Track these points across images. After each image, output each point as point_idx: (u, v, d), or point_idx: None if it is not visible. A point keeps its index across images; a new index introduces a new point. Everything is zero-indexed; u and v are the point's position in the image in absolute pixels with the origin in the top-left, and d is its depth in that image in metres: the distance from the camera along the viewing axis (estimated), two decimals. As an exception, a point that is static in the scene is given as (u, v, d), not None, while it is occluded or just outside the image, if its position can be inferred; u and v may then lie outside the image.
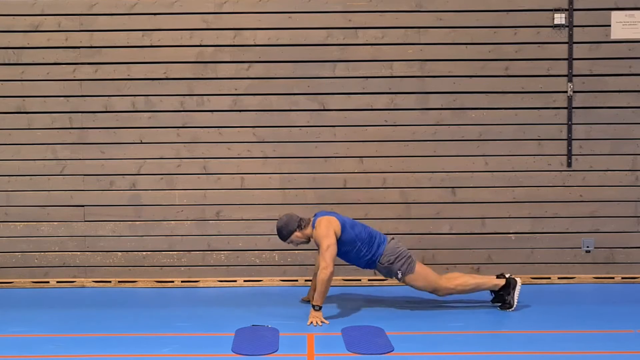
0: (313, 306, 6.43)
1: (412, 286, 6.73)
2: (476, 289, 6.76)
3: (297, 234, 6.68)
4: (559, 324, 6.35)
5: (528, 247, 7.67)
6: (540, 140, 7.61)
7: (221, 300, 7.21)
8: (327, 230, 6.50)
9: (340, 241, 6.54)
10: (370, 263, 6.69)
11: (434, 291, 6.72)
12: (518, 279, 6.74)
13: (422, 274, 6.66)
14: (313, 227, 6.61)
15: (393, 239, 6.78)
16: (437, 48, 7.56)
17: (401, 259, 6.63)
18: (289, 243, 6.75)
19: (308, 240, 6.71)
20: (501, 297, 6.76)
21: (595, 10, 7.53)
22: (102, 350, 5.76)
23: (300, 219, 6.71)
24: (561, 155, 7.63)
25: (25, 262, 7.66)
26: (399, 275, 6.63)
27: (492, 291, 6.82)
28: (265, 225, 7.62)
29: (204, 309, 6.92)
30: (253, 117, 7.60)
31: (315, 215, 6.74)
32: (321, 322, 6.36)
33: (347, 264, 6.84)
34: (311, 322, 6.34)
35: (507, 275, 6.79)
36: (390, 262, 6.62)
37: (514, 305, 6.68)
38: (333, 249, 6.45)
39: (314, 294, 6.52)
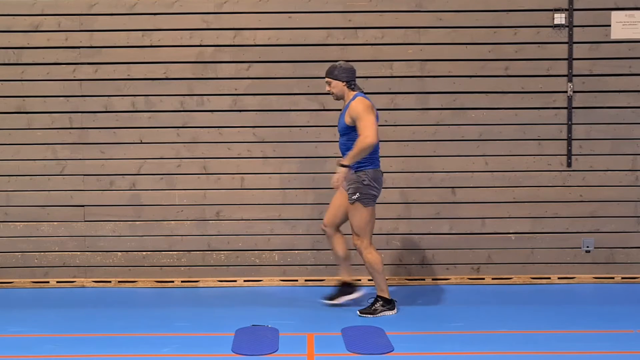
0: (341, 165, 6.44)
1: (348, 214, 6.60)
2: (374, 278, 6.67)
3: (342, 84, 6.58)
4: (559, 324, 6.35)
5: (528, 247, 7.68)
6: (540, 140, 7.62)
7: (221, 300, 7.21)
8: (367, 109, 6.42)
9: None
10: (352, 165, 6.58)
11: (355, 236, 6.58)
12: (355, 294, 6.82)
13: (366, 217, 6.53)
14: (353, 98, 6.53)
15: (380, 171, 6.65)
16: (437, 48, 7.56)
17: (372, 190, 6.54)
18: (326, 82, 6.62)
19: (338, 98, 6.66)
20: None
21: (595, 10, 7.53)
22: (102, 350, 5.76)
23: (355, 81, 6.65)
24: (561, 155, 7.64)
25: (25, 262, 7.66)
26: (353, 197, 6.52)
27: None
28: (265, 225, 7.63)
29: (204, 309, 6.92)
30: (253, 117, 7.60)
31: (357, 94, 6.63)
32: (342, 182, 6.43)
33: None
34: (336, 180, 6.45)
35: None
36: (364, 183, 6.51)
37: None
38: (376, 126, 6.41)
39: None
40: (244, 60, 7.56)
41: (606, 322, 6.42)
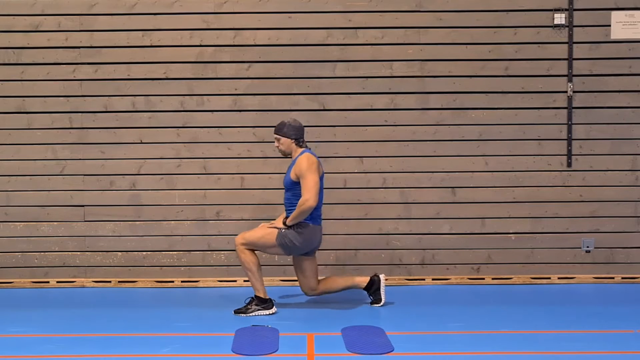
0: (284, 224, 6.60)
1: (261, 229, 6.73)
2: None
3: (291, 142, 6.68)
4: (559, 324, 6.35)
5: (528, 247, 7.67)
6: (540, 140, 7.62)
7: (221, 300, 7.21)
8: (312, 166, 6.52)
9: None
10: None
11: (241, 236, 6.68)
12: (381, 276, 6.85)
13: (268, 243, 6.63)
14: (300, 154, 6.63)
15: (320, 227, 6.74)
16: (437, 48, 7.56)
17: (296, 242, 6.60)
18: (275, 138, 6.74)
19: (286, 156, 6.76)
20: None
21: (595, 10, 7.53)
22: (102, 350, 5.76)
23: (304, 138, 6.73)
24: (561, 155, 7.64)
25: (25, 262, 7.66)
26: (281, 231, 6.61)
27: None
28: (265, 225, 7.62)
29: (204, 309, 6.92)
30: (253, 117, 7.60)
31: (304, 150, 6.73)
32: (275, 227, 6.64)
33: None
34: (271, 225, 6.70)
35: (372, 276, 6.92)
36: (296, 230, 6.60)
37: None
38: (318, 186, 6.52)
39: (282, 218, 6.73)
40: (244, 60, 7.56)
41: (606, 322, 6.41)
